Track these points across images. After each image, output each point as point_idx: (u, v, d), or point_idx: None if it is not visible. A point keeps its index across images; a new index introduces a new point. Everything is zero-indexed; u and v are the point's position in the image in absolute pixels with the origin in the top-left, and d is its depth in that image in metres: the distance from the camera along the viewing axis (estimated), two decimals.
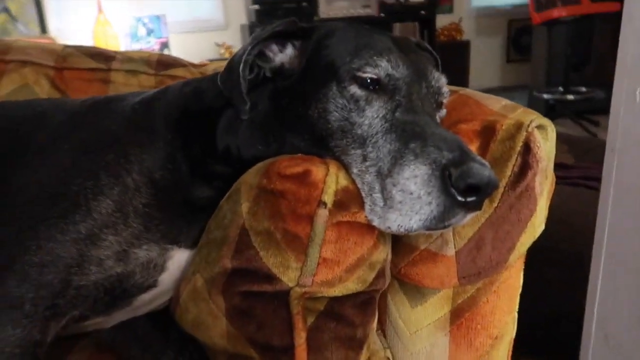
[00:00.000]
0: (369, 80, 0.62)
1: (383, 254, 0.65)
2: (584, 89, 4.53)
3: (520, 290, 0.77)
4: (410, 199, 0.54)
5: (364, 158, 0.59)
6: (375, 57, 0.62)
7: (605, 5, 4.30)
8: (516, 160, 0.63)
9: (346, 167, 0.61)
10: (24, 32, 4.12)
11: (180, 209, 0.73)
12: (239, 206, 0.63)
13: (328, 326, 0.63)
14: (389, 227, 0.57)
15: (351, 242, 0.59)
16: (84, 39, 4.10)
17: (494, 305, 0.74)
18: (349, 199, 0.58)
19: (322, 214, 0.56)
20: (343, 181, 0.58)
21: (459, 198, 0.53)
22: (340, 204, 0.57)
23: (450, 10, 5.82)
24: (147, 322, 0.80)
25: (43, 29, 4.26)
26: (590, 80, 4.64)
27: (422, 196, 0.53)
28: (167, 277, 0.73)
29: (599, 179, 1.84)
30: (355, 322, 0.65)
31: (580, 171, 2.00)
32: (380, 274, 0.67)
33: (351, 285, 0.63)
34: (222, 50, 4.88)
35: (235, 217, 0.63)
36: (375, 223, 0.58)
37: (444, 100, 0.69)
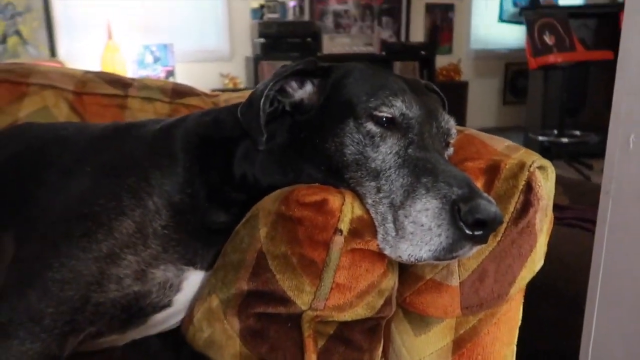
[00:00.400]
0: (384, 119, 0.66)
1: (391, 281, 0.69)
2: (578, 133, 4.65)
3: (519, 323, 0.81)
4: (421, 230, 0.58)
5: (378, 190, 0.63)
6: (390, 98, 0.67)
7: (600, 54, 4.46)
8: (519, 197, 0.67)
9: (360, 198, 0.65)
10: (33, 55, 4.21)
11: (197, 232, 0.77)
12: (257, 231, 0.67)
13: (337, 349, 0.65)
14: (400, 256, 0.60)
15: (363, 268, 0.63)
16: (93, 63, 4.19)
17: (495, 337, 0.77)
18: (363, 228, 0.62)
19: (338, 240, 0.60)
20: (358, 210, 0.62)
21: (467, 231, 0.57)
22: (355, 232, 0.61)
23: (449, 51, 6.00)
24: (159, 342, 0.82)
25: (53, 52, 4.36)
26: (585, 124, 4.76)
27: (433, 228, 0.57)
28: (182, 298, 0.76)
29: (593, 221, 1.88)
30: (363, 347, 0.68)
31: (575, 212, 2.05)
32: (388, 301, 0.70)
33: (360, 311, 0.66)
34: (227, 81, 4.98)
35: (253, 241, 0.66)
36: (387, 252, 0.62)
37: (452, 140, 0.74)
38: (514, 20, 6.03)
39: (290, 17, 5.12)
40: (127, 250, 0.71)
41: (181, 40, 4.80)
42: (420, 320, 0.76)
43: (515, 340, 0.81)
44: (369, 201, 0.64)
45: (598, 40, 5.02)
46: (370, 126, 0.66)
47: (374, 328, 0.71)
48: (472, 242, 0.58)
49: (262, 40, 4.76)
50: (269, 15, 5.01)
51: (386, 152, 0.65)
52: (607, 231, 1.01)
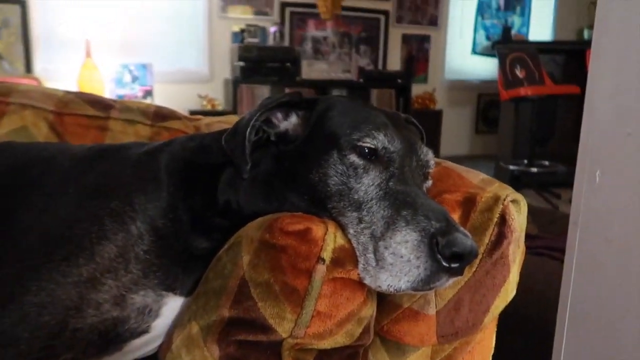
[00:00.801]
0: (367, 151, 0.69)
1: (370, 310, 0.70)
2: (547, 163, 4.80)
3: (492, 351, 0.83)
4: (400, 262, 0.60)
5: (360, 220, 0.65)
6: (373, 131, 0.70)
7: (567, 88, 4.65)
8: (493, 230, 0.70)
9: (342, 228, 0.66)
10: (8, 71, 4.15)
11: (179, 258, 0.77)
12: (239, 258, 0.68)
13: None
14: (379, 286, 0.62)
15: (344, 297, 0.64)
16: (70, 81, 4.15)
17: None
18: (345, 257, 0.63)
19: (321, 269, 0.61)
20: (340, 240, 0.64)
21: (444, 264, 0.59)
22: (337, 261, 0.62)
23: (425, 80, 6.16)
24: None
25: (28, 68, 4.30)
26: (554, 155, 4.93)
27: (412, 260, 0.59)
28: (160, 324, 0.76)
29: (562, 250, 1.94)
30: None
31: (544, 242, 2.11)
32: (366, 330, 0.71)
33: (340, 339, 0.67)
34: (205, 102, 4.99)
35: (236, 268, 0.67)
36: (367, 281, 0.63)
37: (430, 171, 0.77)
38: (486, 52, 6.25)
39: (270, 42, 5.19)
40: (107, 275, 0.71)
41: (160, 61, 4.80)
42: (397, 348, 0.78)
43: None
44: (351, 231, 0.66)
45: (565, 75, 5.24)
46: (354, 158, 0.69)
47: (353, 356, 0.72)
48: (449, 274, 0.60)
49: (242, 63, 4.80)
50: (249, 40, 5.07)
51: (369, 184, 0.67)
52: (575, 260, 1.06)
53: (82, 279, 0.69)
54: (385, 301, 0.75)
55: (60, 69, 4.37)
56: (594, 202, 1.00)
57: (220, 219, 0.78)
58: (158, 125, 1.33)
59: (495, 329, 0.82)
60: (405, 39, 6.10)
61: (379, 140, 0.69)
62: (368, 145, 0.69)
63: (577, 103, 5.29)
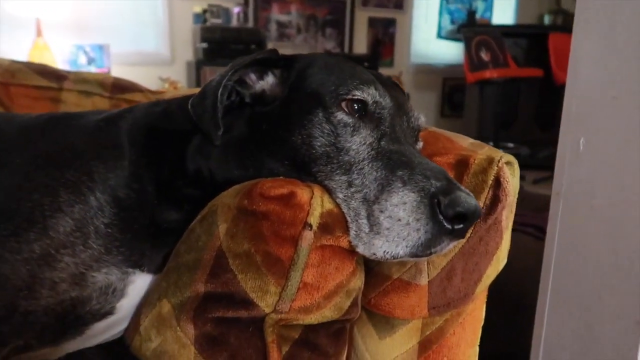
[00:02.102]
0: (356, 107, 0.63)
1: (359, 281, 0.65)
2: (511, 145, 4.88)
3: (482, 323, 0.79)
4: (398, 226, 0.55)
5: (349, 184, 0.59)
6: (362, 86, 0.64)
7: (531, 71, 4.73)
8: (488, 193, 0.66)
9: (330, 192, 0.61)
10: None
11: (145, 232, 0.70)
12: (215, 228, 0.61)
13: (302, 355, 0.61)
14: (374, 254, 0.57)
15: (332, 267, 0.59)
16: None
17: (460, 337, 0.75)
18: (334, 223, 0.58)
19: (308, 236, 0.56)
20: (328, 204, 0.58)
21: (447, 225, 0.54)
22: (325, 227, 0.57)
23: (391, 64, 6.14)
24: (99, 354, 0.74)
25: None
26: (516, 137, 5.02)
27: (411, 222, 0.54)
28: (126, 304, 0.68)
29: (533, 225, 1.95)
30: (329, 352, 0.64)
31: (516, 218, 2.12)
32: (355, 303, 0.66)
33: (328, 313, 0.62)
34: (166, 85, 4.80)
35: (211, 239, 0.61)
36: (360, 249, 0.58)
37: (420, 133, 0.72)
38: (451, 37, 6.28)
39: (234, 23, 5.04)
40: (63, 251, 0.63)
41: (118, 42, 4.58)
42: (385, 322, 0.73)
43: (478, 340, 0.79)
44: (340, 196, 0.60)
45: (528, 59, 5.32)
46: (342, 115, 0.63)
47: (339, 331, 0.66)
48: (451, 238, 0.56)
49: (204, 45, 4.64)
50: (212, 20, 4.90)
51: (360, 143, 0.61)
52: (558, 231, 1.04)
53: (34, 256, 0.61)
54: (372, 272, 0.70)
55: (8, 50, 4.10)
56: (578, 170, 0.98)
57: (191, 188, 0.71)
58: (117, 97, 1.24)
59: (485, 300, 0.79)
60: (372, 22, 6.05)
61: (369, 94, 0.64)
62: (358, 98, 0.63)
63: (539, 86, 5.41)
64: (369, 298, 0.71)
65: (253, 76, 0.71)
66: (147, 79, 4.78)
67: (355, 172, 0.60)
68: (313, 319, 0.61)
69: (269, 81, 0.71)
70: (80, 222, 0.65)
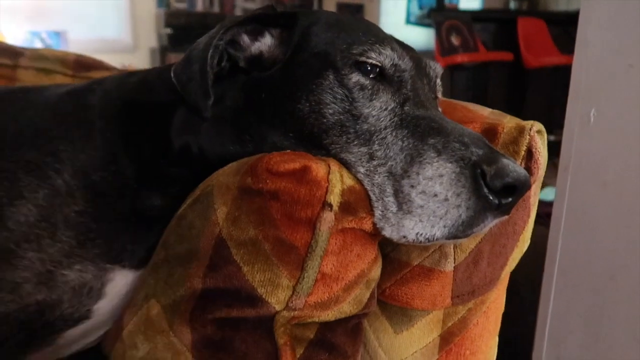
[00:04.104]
0: (371, 68, 0.54)
1: (379, 270, 0.57)
2: None
3: (503, 310, 0.73)
4: (434, 202, 0.46)
5: (371, 157, 0.51)
6: (377, 45, 0.55)
7: (500, 54, 4.73)
8: (520, 165, 0.58)
9: (347, 167, 0.52)
10: None
11: (125, 220, 0.59)
12: (212, 212, 0.51)
13: (320, 358, 0.52)
14: (405, 237, 0.48)
15: (354, 254, 0.50)
16: None
17: (483, 328, 0.68)
18: (357, 201, 0.49)
19: (328, 217, 0.47)
20: (348, 180, 0.49)
21: (494, 200, 0.46)
22: (346, 207, 0.48)
23: None
24: None
25: None
26: None
27: (450, 198, 0.46)
28: (105, 306, 0.58)
29: None
30: (347, 352, 0.55)
31: None
32: (373, 294, 0.58)
33: (346, 308, 0.53)
34: None
35: (208, 225, 0.51)
36: (387, 232, 0.49)
37: (439, 96, 0.64)
38: (419, 22, 6.24)
39: (199, 7, 4.86)
40: (27, 246, 0.52)
41: (76, 28, 4.34)
42: (401, 314, 0.65)
43: (499, 328, 0.73)
44: (361, 170, 0.51)
45: (496, 44, 5.34)
46: (358, 77, 0.54)
47: (357, 328, 0.58)
48: (495, 214, 0.48)
49: (169, 30, 4.45)
50: (176, 5, 4.71)
51: (380, 109, 0.53)
52: (566, 209, 0.98)
53: None
54: (387, 259, 0.62)
55: None
56: (588, 144, 0.93)
57: (177, 168, 0.61)
58: (81, 75, 1.11)
59: (507, 284, 0.72)
60: (340, 8, 5.94)
61: (386, 55, 0.55)
62: (373, 61, 0.54)
63: (508, 71, 5.45)
64: (384, 288, 0.63)
65: (246, 37, 0.62)
66: None
67: (377, 142, 0.51)
68: (330, 315, 0.52)
69: (266, 42, 0.61)
70: (46, 210, 0.54)
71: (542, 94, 4.74)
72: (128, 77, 0.70)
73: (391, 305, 0.65)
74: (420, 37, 6.43)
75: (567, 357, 1.01)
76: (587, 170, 0.93)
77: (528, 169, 0.59)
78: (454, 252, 0.59)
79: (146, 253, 0.60)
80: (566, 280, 1.01)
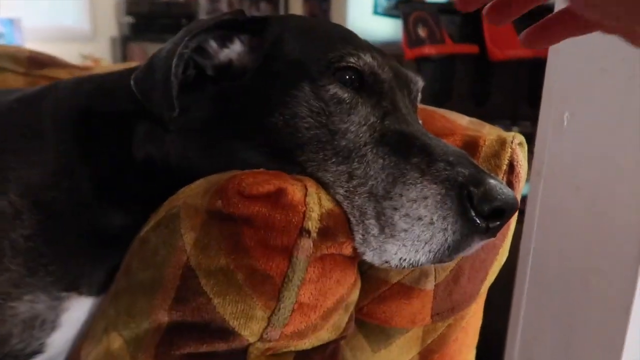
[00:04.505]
0: (350, 77, 0.51)
1: (358, 291, 0.54)
2: None
3: (481, 322, 0.71)
4: (418, 226, 0.44)
5: (350, 176, 0.48)
6: (356, 51, 0.52)
7: (467, 47, 4.77)
8: (502, 179, 0.56)
9: (325, 188, 0.48)
10: None
11: (82, 243, 0.55)
12: (178, 237, 0.47)
13: None
14: (387, 262, 0.45)
15: (333, 280, 0.47)
16: None
17: (462, 343, 0.66)
18: (336, 226, 0.46)
19: (306, 245, 0.43)
20: (327, 203, 0.46)
21: (481, 224, 0.44)
22: (325, 232, 0.45)
23: None
24: None
25: None
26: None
27: (436, 221, 0.43)
28: (60, 338, 0.54)
29: None
30: None
31: None
32: (351, 317, 0.55)
33: (325, 335, 0.50)
34: (89, 63, 4.41)
35: (174, 252, 0.47)
36: (368, 257, 0.46)
37: (417, 106, 0.61)
38: (387, 13, 6.23)
39: None
40: None
41: (31, 15, 4.12)
42: (379, 332, 0.63)
43: (477, 341, 0.72)
44: (340, 191, 0.48)
45: (462, 36, 5.39)
46: (335, 89, 0.50)
47: (334, 353, 0.55)
48: (482, 237, 0.45)
49: (130, 19, 4.29)
50: None
51: (359, 124, 0.49)
52: (539, 213, 0.98)
53: None
54: (365, 276, 0.59)
55: None
56: (561, 147, 0.92)
57: (140, 183, 0.57)
58: (35, 73, 1.04)
59: (485, 297, 0.71)
60: None
61: (365, 63, 0.51)
62: (352, 65, 0.51)
63: (474, 63, 5.52)
64: (361, 306, 0.60)
65: (214, 44, 0.57)
66: (67, 56, 4.34)
67: (356, 159, 0.48)
68: (308, 344, 0.49)
69: (235, 49, 0.57)
70: None
71: (507, 87, 4.83)
72: (84, 83, 0.64)
73: (369, 323, 0.62)
74: (387, 28, 6.44)
75: (540, 359, 1.01)
76: (560, 174, 0.93)
77: (509, 182, 0.58)
78: (435, 271, 0.57)
79: (107, 277, 0.55)
80: (538, 283, 1.01)
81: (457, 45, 5.00)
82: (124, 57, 4.33)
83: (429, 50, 4.71)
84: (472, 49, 4.76)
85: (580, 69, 0.88)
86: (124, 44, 4.32)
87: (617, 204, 0.85)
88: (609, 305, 0.88)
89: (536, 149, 0.97)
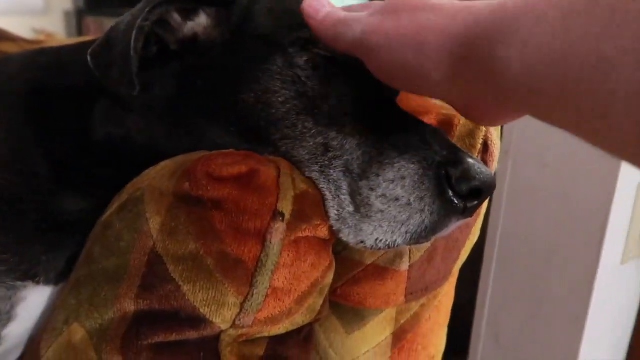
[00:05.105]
0: (323, 51, 0.48)
1: (333, 274, 0.53)
2: None
3: (453, 301, 0.72)
4: (395, 207, 0.42)
5: (326, 148, 0.46)
6: None
7: None
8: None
9: (298, 166, 0.47)
10: None
11: (38, 229, 0.51)
12: (143, 222, 0.45)
13: None
14: (363, 242, 0.44)
15: (308, 264, 0.45)
16: None
17: (434, 322, 0.67)
18: (311, 208, 0.44)
19: (279, 228, 0.41)
20: (301, 184, 0.44)
21: (459, 204, 0.43)
22: (300, 215, 0.43)
23: None
24: None
25: None
26: None
27: (413, 202, 0.42)
28: (16, 330, 0.51)
29: None
30: None
31: None
32: (325, 299, 0.54)
33: (299, 319, 0.49)
34: (42, 38, 4.20)
35: (140, 237, 0.44)
36: (344, 235, 0.45)
37: None
38: None
39: None
40: None
41: None
42: (353, 314, 0.62)
43: (449, 319, 0.72)
44: (315, 168, 0.46)
45: None
46: (310, 56, 0.48)
47: (308, 336, 0.54)
48: (459, 217, 0.45)
49: None
50: None
51: (339, 92, 0.47)
52: (507, 192, 0.99)
53: None
54: (339, 258, 0.58)
55: None
56: (529, 126, 0.93)
57: (101, 166, 0.53)
58: None
59: (457, 275, 0.71)
60: None
61: None
62: None
63: None
64: (335, 288, 0.59)
65: (177, 16, 0.53)
66: (17, 31, 4.11)
67: (335, 130, 0.46)
68: (282, 328, 0.48)
69: (201, 22, 0.53)
70: None
71: None
72: (37, 57, 0.60)
73: (343, 305, 0.61)
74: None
75: (506, 336, 1.04)
76: (527, 153, 0.94)
77: (484, 161, 0.57)
78: (410, 252, 0.56)
79: (67, 265, 0.52)
80: (505, 259, 1.03)
81: None
82: (79, 32, 4.13)
83: None
84: None
85: None
86: (78, 18, 4.12)
87: (583, 183, 0.87)
88: (573, 279, 0.91)
89: (504, 127, 0.97)
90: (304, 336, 0.53)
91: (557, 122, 0.31)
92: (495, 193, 1.03)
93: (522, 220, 0.98)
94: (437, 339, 0.68)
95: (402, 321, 0.63)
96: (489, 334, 1.08)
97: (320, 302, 0.52)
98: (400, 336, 0.64)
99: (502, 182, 1.00)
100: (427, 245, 0.57)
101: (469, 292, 1.13)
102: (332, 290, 0.59)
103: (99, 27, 4.21)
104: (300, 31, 0.48)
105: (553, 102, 0.29)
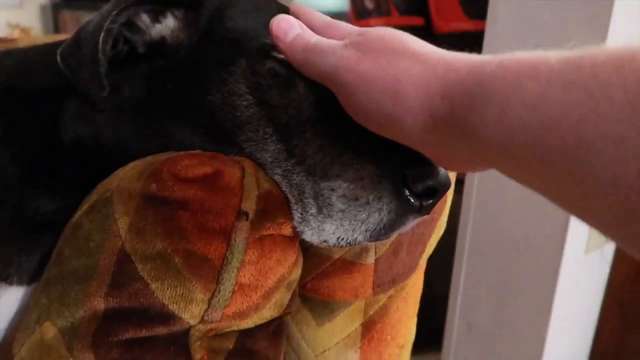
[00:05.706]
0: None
1: (299, 269, 0.55)
2: None
3: (421, 291, 0.74)
4: (355, 206, 0.44)
5: (289, 153, 0.47)
6: None
7: (412, 19, 4.82)
8: None
9: (263, 168, 0.48)
10: None
11: (9, 229, 0.52)
12: (112, 222, 0.46)
13: None
14: (326, 241, 0.46)
15: (273, 260, 0.47)
16: None
17: (402, 313, 0.69)
18: (274, 207, 0.46)
19: (243, 227, 0.43)
20: (265, 184, 0.46)
21: (415, 203, 0.45)
22: (264, 214, 0.45)
23: None
24: None
25: None
26: None
27: (372, 202, 0.44)
28: None
29: None
30: (269, 356, 0.53)
31: None
32: (294, 294, 0.56)
33: (267, 313, 0.51)
34: (17, 32, 4.12)
35: (109, 237, 0.45)
36: (307, 235, 0.47)
37: None
38: None
39: None
40: None
41: None
42: (324, 306, 0.64)
43: (417, 310, 0.75)
44: (278, 171, 0.47)
45: (409, 8, 5.43)
46: (273, 64, 0.49)
47: (278, 329, 0.56)
48: (416, 215, 0.47)
49: None
50: None
51: (299, 99, 0.49)
52: (477, 181, 1.02)
53: None
54: (308, 253, 0.60)
55: None
56: None
57: (71, 166, 0.54)
58: None
59: (424, 267, 0.73)
60: None
61: None
62: None
63: (419, 36, 5.58)
64: (305, 282, 0.61)
65: (146, 17, 0.54)
66: None
67: (296, 137, 0.48)
68: (250, 322, 0.50)
69: (168, 25, 0.54)
70: None
71: None
72: (4, 59, 0.60)
73: (313, 298, 0.63)
74: (335, 0, 6.39)
75: (478, 324, 1.07)
76: None
77: None
78: (375, 246, 0.59)
79: (39, 265, 0.53)
80: (477, 252, 1.06)
81: (403, 18, 5.04)
82: (55, 27, 4.07)
83: (375, 22, 4.72)
84: (417, 21, 4.81)
85: (516, 44, 0.91)
86: (54, 12, 4.05)
87: None
88: (540, 269, 0.94)
89: None
90: (273, 329, 0.54)
91: (537, 190, 0.30)
92: (466, 188, 1.06)
93: (491, 212, 1.01)
94: (405, 329, 0.70)
95: (371, 312, 0.65)
96: (462, 323, 1.11)
97: (288, 296, 0.53)
98: (369, 327, 0.66)
99: (473, 175, 1.03)
100: (391, 239, 0.59)
101: (443, 284, 1.16)
102: (303, 285, 0.61)
103: (75, 21, 4.15)
104: (267, 37, 0.50)
105: (531, 171, 0.28)
